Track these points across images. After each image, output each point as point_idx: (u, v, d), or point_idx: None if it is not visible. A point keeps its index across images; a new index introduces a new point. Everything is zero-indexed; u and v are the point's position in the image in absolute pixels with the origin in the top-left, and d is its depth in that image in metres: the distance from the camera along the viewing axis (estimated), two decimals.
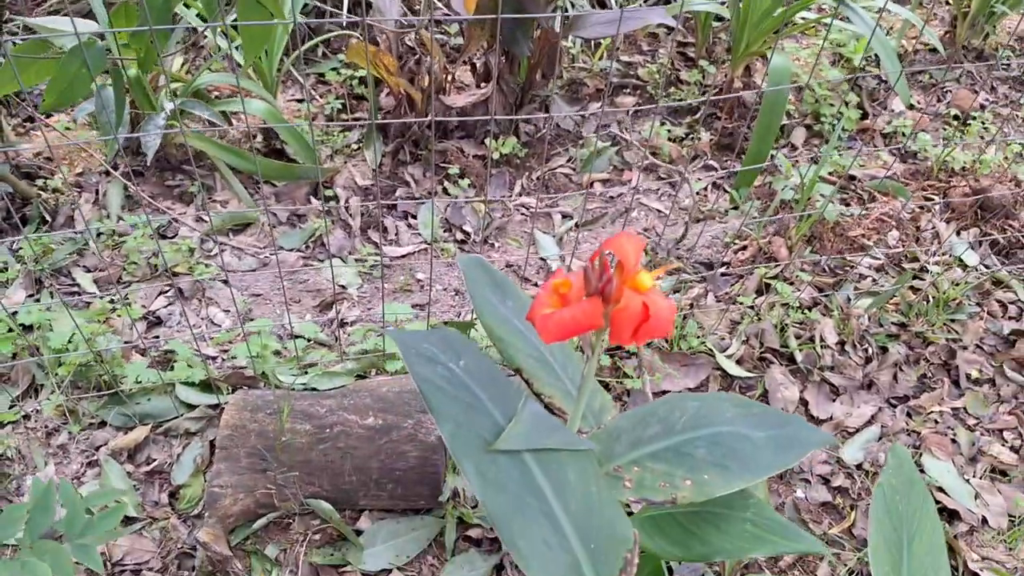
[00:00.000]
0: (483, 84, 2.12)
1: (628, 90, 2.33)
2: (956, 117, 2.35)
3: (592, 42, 2.40)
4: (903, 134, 2.28)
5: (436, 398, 0.85)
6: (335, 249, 2.00)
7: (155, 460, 1.54)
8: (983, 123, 2.30)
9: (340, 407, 1.49)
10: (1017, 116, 2.36)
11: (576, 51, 2.38)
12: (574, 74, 2.36)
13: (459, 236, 2.04)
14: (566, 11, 2.41)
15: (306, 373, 1.67)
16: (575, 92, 2.33)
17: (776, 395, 1.72)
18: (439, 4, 2.42)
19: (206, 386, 1.61)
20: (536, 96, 2.24)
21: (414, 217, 2.05)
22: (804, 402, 1.73)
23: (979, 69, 2.48)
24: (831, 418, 1.70)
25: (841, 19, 2.44)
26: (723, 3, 2.18)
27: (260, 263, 1.98)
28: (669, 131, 2.26)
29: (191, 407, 1.61)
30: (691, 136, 2.24)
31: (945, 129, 2.32)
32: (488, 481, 0.80)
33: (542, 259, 1.98)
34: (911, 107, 2.38)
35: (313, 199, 2.08)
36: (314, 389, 1.63)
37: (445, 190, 2.09)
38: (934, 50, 2.48)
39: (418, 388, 0.85)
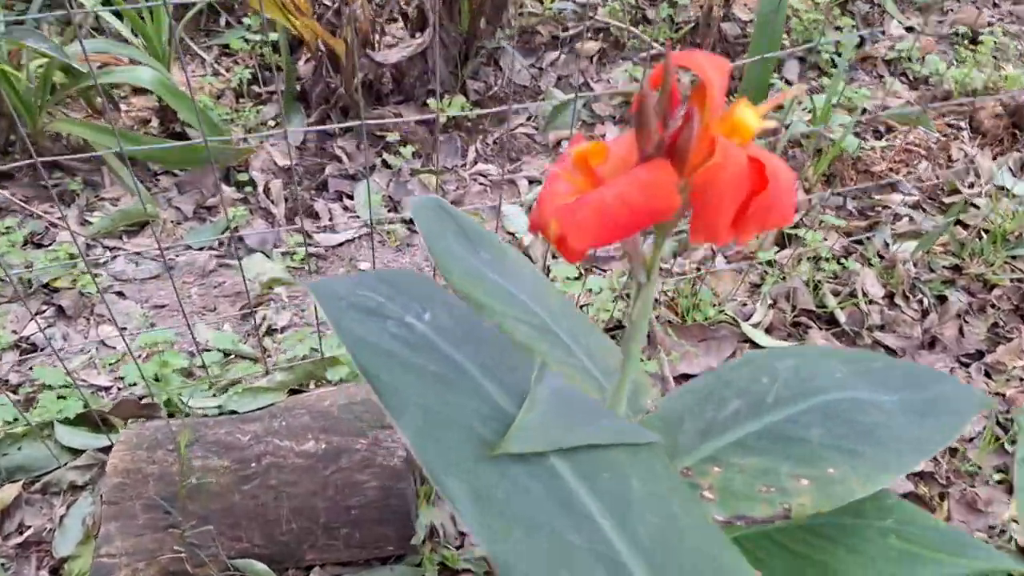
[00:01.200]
0: (418, 34, 1.76)
1: (589, 35, 1.99)
2: (964, 36, 2.05)
3: None
4: (908, 59, 1.97)
5: (386, 371, 0.48)
6: (256, 242, 1.61)
7: (30, 527, 1.16)
8: (995, 41, 2.00)
9: (269, 432, 1.12)
10: None
11: None
12: (524, 21, 2.01)
13: (406, 215, 1.67)
14: None
15: (226, 392, 1.28)
16: (527, 42, 1.98)
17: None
18: None
19: (94, 425, 1.21)
20: (483, 48, 1.89)
21: (350, 197, 1.67)
22: None
23: None
24: None
25: None
26: None
27: (163, 268, 1.58)
28: (642, 77, 1.92)
29: (75, 453, 1.22)
30: None
31: (955, 50, 2.02)
32: (492, 508, 0.44)
33: (511, 233, 1.62)
34: (910, 29, 2.08)
35: (225, 186, 1.69)
36: (234, 412, 1.24)
37: (385, 163, 1.71)
38: None
39: (353, 358, 0.48)
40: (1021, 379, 1.37)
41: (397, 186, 1.69)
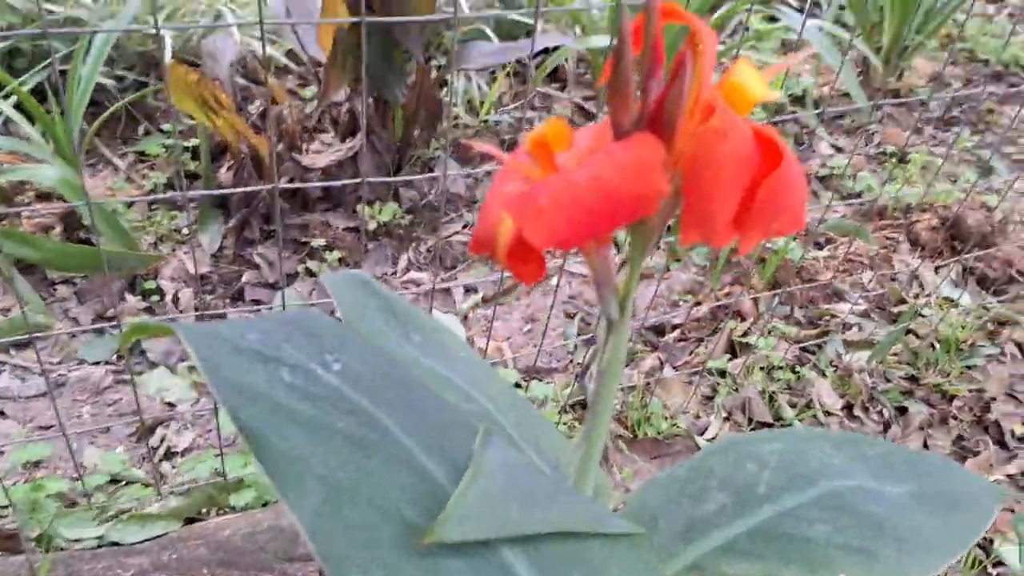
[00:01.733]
0: (349, 140, 1.69)
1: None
2: (892, 155, 2.08)
3: (476, 99, 2.03)
4: (840, 176, 1.98)
5: (276, 432, 0.35)
6: (159, 356, 1.46)
7: None
8: (922, 162, 2.03)
9: (157, 566, 0.94)
10: (953, 154, 2.11)
11: (459, 109, 1.99)
12: (459, 132, 1.96)
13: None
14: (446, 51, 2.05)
15: (113, 520, 1.10)
16: (463, 152, 1.93)
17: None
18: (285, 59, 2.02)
19: None
20: (417, 157, 1.82)
21: (268, 306, 1.54)
22: None
23: (900, 110, 2.25)
24: None
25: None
26: None
27: (53, 384, 1.40)
28: None
29: None
30: None
31: (885, 168, 2.04)
32: None
33: None
34: (838, 149, 2.10)
35: (130, 296, 1.54)
36: (117, 544, 1.05)
37: (309, 270, 1.60)
38: (846, 94, 2.24)
39: (231, 414, 0.35)
40: None
41: (321, 294, 1.57)
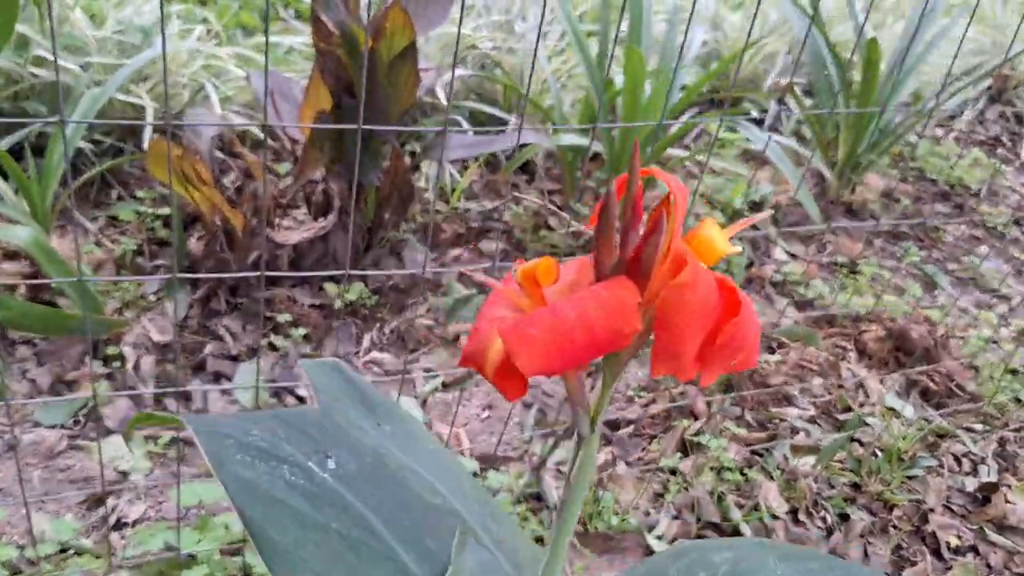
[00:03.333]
0: (321, 219, 1.73)
1: (491, 234, 2.00)
2: (843, 265, 2.18)
3: (447, 185, 2.09)
4: (792, 282, 2.06)
5: (277, 527, 0.38)
6: (116, 423, 1.45)
7: None
8: (871, 274, 2.13)
9: None
10: (900, 267, 2.22)
11: (429, 195, 2.05)
12: (429, 218, 2.01)
13: (291, 402, 1.55)
14: (419, 137, 2.11)
15: None
16: (431, 237, 1.97)
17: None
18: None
19: None
20: (386, 238, 1.86)
21: (228, 379, 1.55)
22: None
23: (852, 222, 2.37)
24: None
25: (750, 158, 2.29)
26: (592, 136, 1.95)
27: (3, 446, 1.39)
28: None
29: None
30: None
31: (836, 277, 2.13)
32: None
33: None
34: (793, 256, 2.20)
35: (91, 360, 1.54)
36: None
37: (272, 345, 1.61)
38: (799, 204, 2.35)
39: (237, 509, 0.38)
40: None
41: (283, 371, 1.58)
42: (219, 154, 1.94)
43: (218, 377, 1.55)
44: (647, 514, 1.40)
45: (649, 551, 1.33)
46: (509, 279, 0.47)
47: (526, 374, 0.38)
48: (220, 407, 1.51)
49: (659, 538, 1.36)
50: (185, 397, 1.51)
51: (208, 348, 1.58)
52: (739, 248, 0.44)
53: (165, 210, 1.86)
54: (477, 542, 0.73)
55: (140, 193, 1.90)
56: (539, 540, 1.25)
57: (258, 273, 0.92)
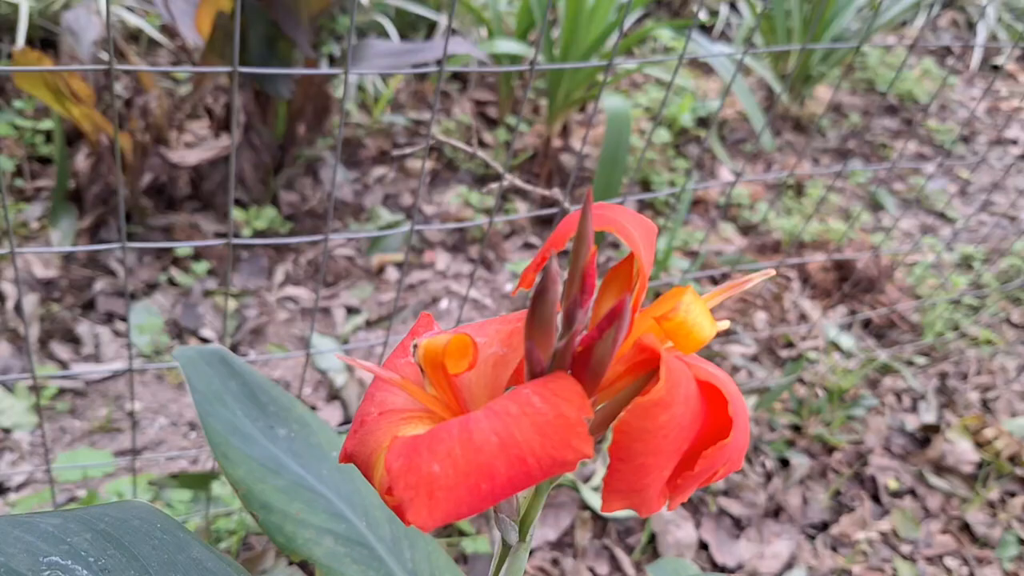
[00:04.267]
0: (224, 135, 1.55)
1: (419, 152, 1.84)
2: (790, 186, 2.08)
3: (370, 96, 1.90)
4: (739, 204, 1.96)
5: None
6: None
7: None
8: (817, 196, 2.04)
9: None
10: (846, 188, 2.13)
11: (351, 106, 1.87)
12: (349, 132, 1.84)
13: (193, 343, 1.40)
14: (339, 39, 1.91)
15: None
16: (352, 154, 1.80)
17: (667, 539, 1.22)
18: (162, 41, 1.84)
19: None
20: (300, 157, 1.69)
21: (123, 320, 1.39)
22: (703, 544, 1.24)
23: (800, 139, 2.26)
24: (740, 566, 1.23)
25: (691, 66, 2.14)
26: (532, 44, 1.79)
27: None
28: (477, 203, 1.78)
29: None
30: (505, 208, 1.78)
31: (782, 200, 2.04)
32: None
33: (322, 371, 1.39)
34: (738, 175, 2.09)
35: None
36: None
37: (171, 280, 1.45)
38: (749, 119, 2.23)
39: None
40: (865, 554, 1.28)
41: (186, 309, 1.43)
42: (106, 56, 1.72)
43: (110, 317, 1.40)
44: (583, 464, 1.32)
45: (583, 505, 1.26)
46: (406, 347, 0.34)
47: (423, 529, 0.26)
48: (114, 351, 1.36)
49: (596, 490, 1.28)
50: (73, 340, 1.36)
51: (98, 284, 1.42)
52: (726, 325, 0.32)
53: (49, 123, 1.64)
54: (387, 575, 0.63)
55: (18, 103, 1.68)
56: (463, 559, 1.15)
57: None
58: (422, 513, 0.26)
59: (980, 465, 1.43)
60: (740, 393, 0.31)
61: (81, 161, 1.57)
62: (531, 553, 1.20)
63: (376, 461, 0.30)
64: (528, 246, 1.74)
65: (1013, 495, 1.40)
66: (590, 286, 0.29)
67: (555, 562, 1.19)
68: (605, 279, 0.33)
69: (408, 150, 0.80)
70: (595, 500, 1.26)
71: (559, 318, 0.30)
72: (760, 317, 1.65)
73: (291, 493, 0.59)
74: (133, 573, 0.32)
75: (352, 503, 0.62)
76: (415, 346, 0.32)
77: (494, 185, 0.90)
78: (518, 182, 0.89)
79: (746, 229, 1.92)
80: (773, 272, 0.34)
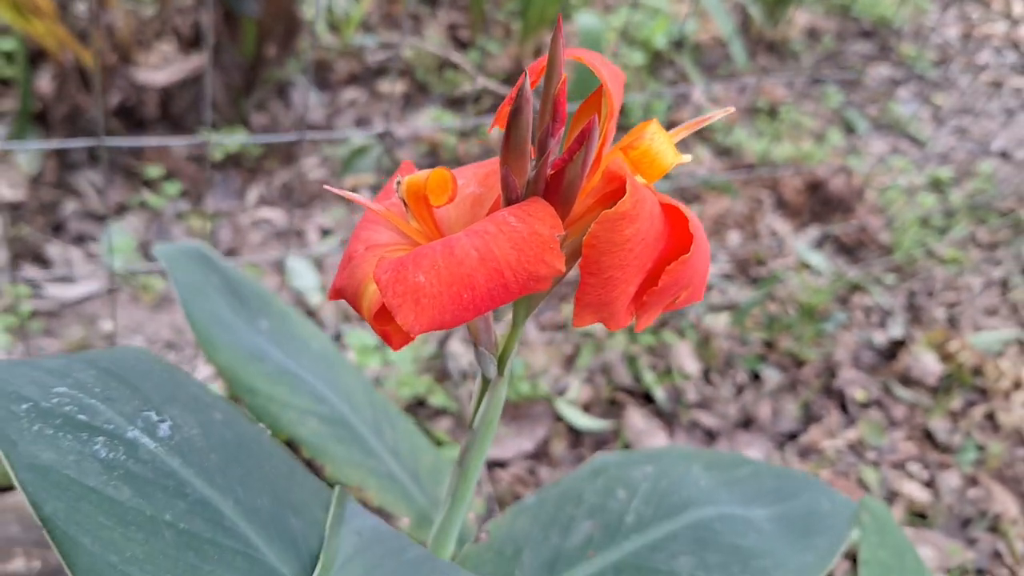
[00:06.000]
0: (193, 55, 1.52)
1: (391, 75, 1.82)
2: (763, 110, 2.08)
3: (339, 17, 1.87)
4: (713, 128, 1.96)
5: (88, 530, 0.25)
6: None
7: None
8: (791, 120, 2.05)
9: None
10: (820, 112, 2.14)
11: (321, 27, 1.83)
12: (320, 54, 1.81)
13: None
14: None
15: None
16: (322, 77, 1.78)
17: (640, 449, 1.25)
18: None
19: None
20: (271, 78, 1.67)
21: (95, 240, 1.38)
22: None
23: (775, 63, 2.26)
24: None
25: None
26: None
27: None
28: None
29: None
30: (478, 129, 1.77)
31: (755, 123, 2.04)
32: None
33: (297, 291, 1.40)
34: (713, 100, 2.09)
35: None
36: None
37: (143, 203, 1.44)
38: (724, 44, 2.22)
39: (33, 507, 0.26)
40: (833, 461, 1.32)
41: (158, 230, 1.42)
42: None
43: (81, 239, 1.38)
44: (558, 379, 1.34)
45: (558, 416, 1.28)
46: (388, 191, 0.35)
47: (411, 333, 0.27)
48: (87, 272, 1.35)
49: (571, 404, 1.31)
50: (44, 262, 1.35)
51: (69, 207, 1.40)
52: (689, 157, 0.32)
53: (10, 43, 1.60)
54: (368, 452, 0.64)
55: None
56: (439, 443, 1.17)
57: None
58: (410, 317, 0.26)
59: (944, 377, 1.48)
60: (698, 221, 0.32)
61: (45, 83, 1.53)
62: (507, 464, 1.23)
63: (364, 289, 0.31)
64: None
65: (973, 404, 1.45)
66: (561, 115, 0.30)
67: (531, 471, 1.22)
68: (576, 113, 0.33)
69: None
70: (569, 413, 1.28)
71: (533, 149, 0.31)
72: (734, 236, 1.66)
73: (275, 378, 0.60)
74: (137, 402, 0.33)
75: (336, 388, 0.63)
76: (399, 182, 0.32)
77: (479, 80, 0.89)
78: (491, 85, 0.89)
79: (720, 152, 1.92)
80: (733, 109, 0.35)
